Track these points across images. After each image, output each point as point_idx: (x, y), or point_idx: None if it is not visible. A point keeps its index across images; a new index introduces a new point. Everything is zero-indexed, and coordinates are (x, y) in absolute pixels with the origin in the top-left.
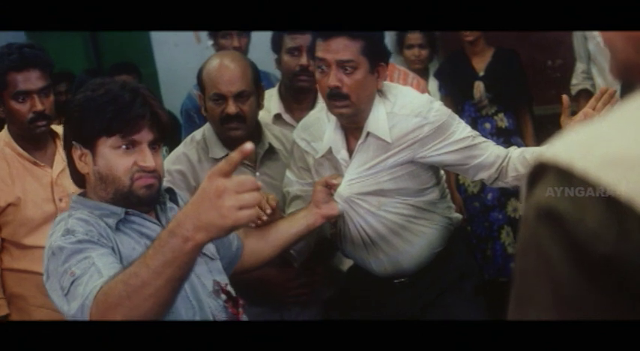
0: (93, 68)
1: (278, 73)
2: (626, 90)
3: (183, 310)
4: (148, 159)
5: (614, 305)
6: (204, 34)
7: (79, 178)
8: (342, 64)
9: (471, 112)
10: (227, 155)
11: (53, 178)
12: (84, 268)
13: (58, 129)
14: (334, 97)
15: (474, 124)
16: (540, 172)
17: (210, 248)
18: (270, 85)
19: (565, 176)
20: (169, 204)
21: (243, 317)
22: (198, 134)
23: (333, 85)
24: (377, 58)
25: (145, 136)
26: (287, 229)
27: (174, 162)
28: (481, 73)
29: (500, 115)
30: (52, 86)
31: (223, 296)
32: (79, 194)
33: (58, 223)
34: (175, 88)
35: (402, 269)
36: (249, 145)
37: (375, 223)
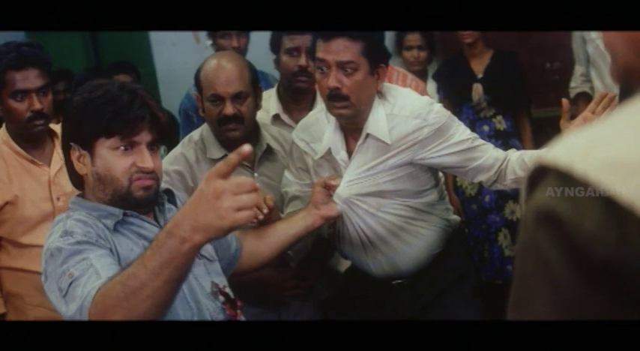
0: (92, 67)
1: (277, 74)
2: (625, 93)
3: (182, 312)
4: (146, 160)
5: (614, 308)
6: (203, 34)
7: (77, 180)
8: (342, 66)
9: (469, 114)
10: (225, 156)
11: (51, 177)
12: (82, 269)
13: (56, 128)
14: (334, 98)
15: (472, 126)
16: (540, 174)
17: (208, 250)
18: (269, 86)
19: (565, 179)
20: (167, 205)
21: (241, 319)
22: (196, 134)
23: (332, 86)
24: (377, 60)
25: (144, 137)
26: (286, 231)
27: (172, 162)
28: (480, 76)
29: (499, 117)
30: (51, 85)
31: (221, 298)
32: (78, 195)
33: (56, 224)
34: (174, 87)
35: (400, 270)
36: (247, 147)
37: (374, 224)
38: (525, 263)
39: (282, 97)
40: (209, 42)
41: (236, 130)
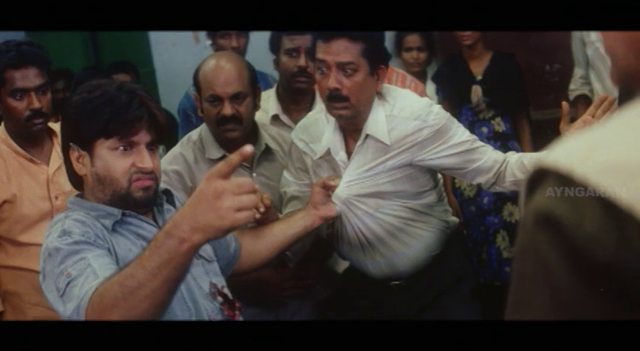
0: (91, 66)
1: (276, 74)
2: (625, 96)
3: (180, 312)
4: (145, 160)
5: (613, 311)
6: (202, 34)
7: (76, 180)
8: (342, 66)
9: (468, 116)
10: (224, 156)
11: (49, 176)
12: (80, 269)
13: (55, 126)
14: (334, 99)
15: (471, 128)
16: (540, 177)
17: (207, 250)
18: (268, 86)
19: (565, 182)
20: (166, 205)
21: (240, 319)
22: (194, 134)
23: (332, 87)
24: (377, 61)
25: (143, 137)
26: (284, 231)
27: (170, 162)
28: (479, 77)
29: (498, 119)
30: (50, 84)
31: (220, 298)
32: (77, 195)
33: (55, 224)
34: (173, 87)
35: (399, 271)
36: (249, 148)
37: (373, 225)
38: (524, 265)
39: (281, 98)
40: (208, 42)
41: (235, 130)
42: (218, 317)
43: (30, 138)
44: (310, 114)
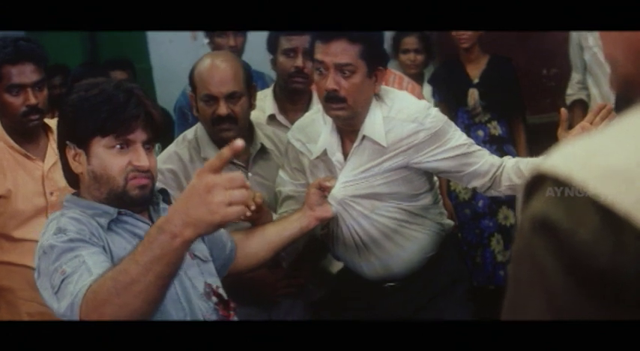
0: (88, 62)
1: (273, 74)
2: (623, 103)
3: (174, 312)
4: (142, 159)
5: (609, 316)
6: (200, 32)
7: (72, 178)
8: (340, 68)
9: (464, 119)
10: None
11: (44, 172)
12: (74, 266)
13: (51, 122)
14: (331, 100)
15: (467, 131)
16: (538, 182)
17: (203, 250)
18: (265, 86)
19: (563, 187)
20: (162, 205)
21: (234, 319)
22: (189, 133)
23: (330, 88)
24: (376, 62)
25: (139, 136)
26: (280, 232)
27: (165, 161)
28: (475, 81)
29: (494, 122)
30: (47, 80)
31: (214, 299)
32: (73, 194)
33: (50, 222)
34: (170, 84)
35: (393, 273)
36: (239, 142)
37: (368, 227)
38: (521, 270)
39: (278, 98)
40: (206, 40)
41: (230, 130)
42: (212, 317)
43: (25, 134)
44: (307, 114)
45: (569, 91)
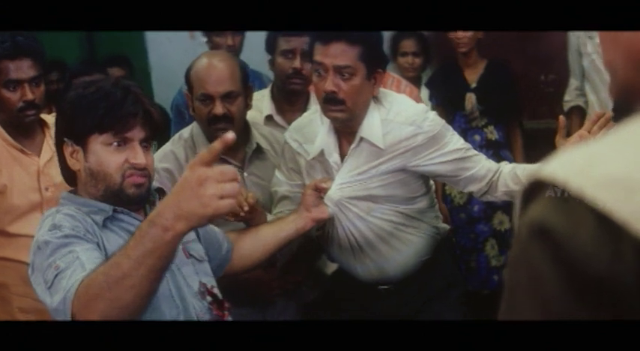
0: (86, 60)
1: (271, 74)
2: (621, 111)
3: (167, 310)
4: (139, 156)
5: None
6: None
7: (69, 175)
8: (339, 70)
9: (461, 123)
10: None
11: (40, 167)
12: (68, 261)
13: (48, 118)
14: (330, 102)
15: (464, 135)
16: (536, 188)
17: (198, 250)
18: (263, 86)
19: (561, 194)
20: (158, 203)
21: (228, 319)
22: (186, 132)
23: (329, 90)
24: (375, 65)
25: (137, 133)
26: (276, 233)
27: (161, 160)
28: (473, 85)
29: (491, 127)
30: (44, 75)
31: (209, 298)
32: (70, 191)
33: (46, 219)
34: (167, 82)
35: (388, 276)
36: (230, 135)
37: (364, 229)
38: (517, 275)
39: (275, 98)
40: (204, 39)
41: (226, 129)
42: (206, 316)
43: (22, 129)
44: (305, 115)
45: (566, 97)
